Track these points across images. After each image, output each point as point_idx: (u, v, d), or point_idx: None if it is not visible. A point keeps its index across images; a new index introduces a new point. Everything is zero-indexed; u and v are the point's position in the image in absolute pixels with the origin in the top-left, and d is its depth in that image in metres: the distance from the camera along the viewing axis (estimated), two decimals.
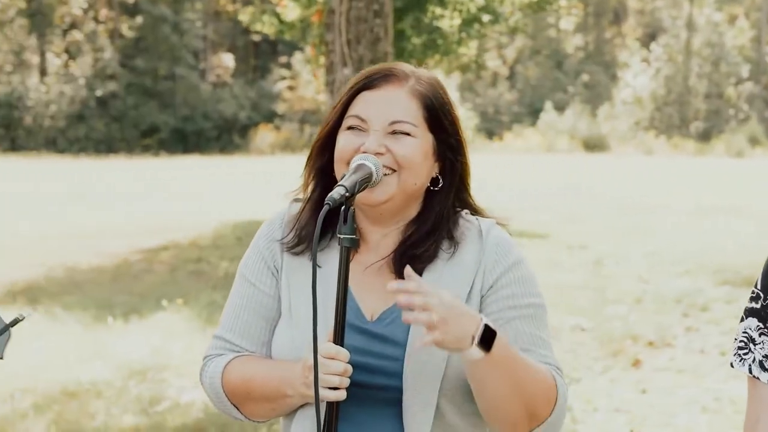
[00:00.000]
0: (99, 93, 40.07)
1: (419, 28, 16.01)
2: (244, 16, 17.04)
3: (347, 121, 2.23)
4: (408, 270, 2.07)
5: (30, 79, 40.18)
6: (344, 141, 2.22)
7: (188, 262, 12.55)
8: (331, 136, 2.26)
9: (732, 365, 2.21)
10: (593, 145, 43.45)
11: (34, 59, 41.52)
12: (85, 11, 42.83)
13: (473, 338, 2.03)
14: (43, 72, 41.32)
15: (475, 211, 2.33)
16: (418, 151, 2.21)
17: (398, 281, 2.04)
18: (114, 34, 43.06)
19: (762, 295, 2.17)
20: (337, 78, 7.97)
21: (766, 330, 2.16)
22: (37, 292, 10.64)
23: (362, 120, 2.21)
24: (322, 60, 8.57)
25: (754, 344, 2.18)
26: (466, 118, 44.04)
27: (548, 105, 46.22)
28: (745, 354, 2.18)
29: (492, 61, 53.25)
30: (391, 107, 2.21)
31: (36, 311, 9.69)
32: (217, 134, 41.61)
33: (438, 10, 16.20)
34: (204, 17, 46.24)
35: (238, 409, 2.28)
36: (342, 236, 2.07)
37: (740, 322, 2.21)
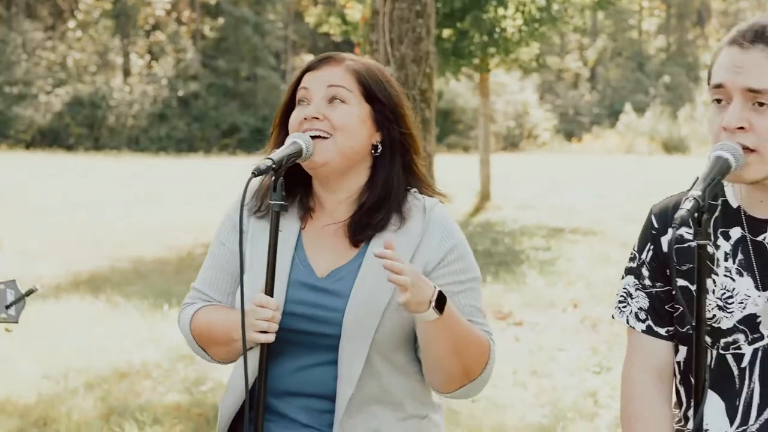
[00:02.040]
0: (180, 93, 40.79)
1: (480, 28, 16.24)
2: (311, 17, 17.40)
3: (297, 96, 2.55)
4: (387, 238, 2.43)
5: (114, 80, 41.05)
6: (294, 115, 2.53)
7: None
8: (286, 114, 2.58)
9: (613, 317, 2.49)
10: (673, 147, 43.14)
11: (118, 60, 42.41)
12: (168, 12, 43.65)
13: (430, 302, 2.35)
14: (126, 72, 42.19)
15: (424, 185, 2.62)
16: (352, 117, 2.51)
17: (380, 249, 2.33)
18: (196, 35, 43.83)
19: (637, 255, 2.45)
20: None
21: (640, 286, 2.44)
22: (101, 282, 11.09)
23: (306, 89, 2.52)
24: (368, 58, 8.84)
25: (631, 298, 2.45)
26: (544, 119, 44.05)
27: (628, 106, 45.99)
28: (624, 307, 2.46)
29: (573, 63, 53.16)
30: (329, 78, 2.52)
31: (98, 299, 10.13)
32: None
33: (500, 10, 16.42)
34: (285, 18, 46.82)
35: (205, 351, 2.60)
36: (272, 202, 2.39)
37: (621, 279, 2.48)
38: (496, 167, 21.81)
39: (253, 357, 2.46)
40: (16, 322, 2.82)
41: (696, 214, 2.06)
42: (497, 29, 16.48)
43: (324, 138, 2.49)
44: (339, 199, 2.57)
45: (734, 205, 2.36)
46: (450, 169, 25.47)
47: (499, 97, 42.63)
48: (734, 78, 2.20)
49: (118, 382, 7.24)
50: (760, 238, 2.31)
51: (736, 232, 2.34)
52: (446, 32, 16.71)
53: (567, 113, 49.56)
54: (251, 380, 2.48)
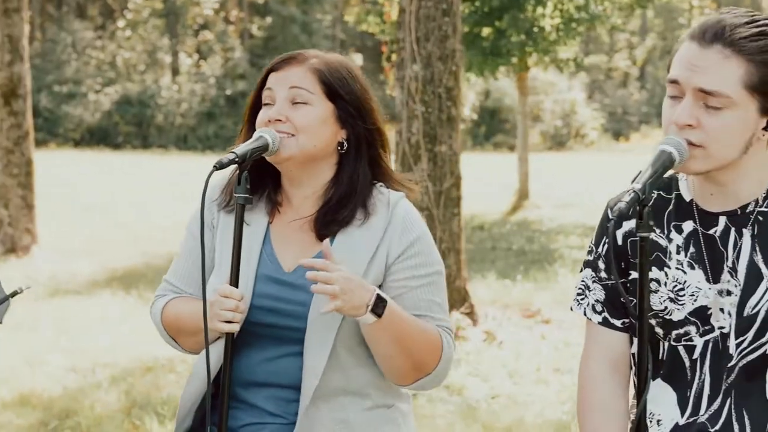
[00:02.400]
0: (228, 92, 41.02)
1: (518, 27, 16.23)
2: (350, 16, 17.46)
3: (263, 96, 2.61)
4: (325, 245, 2.48)
5: (162, 79, 41.38)
6: (260, 116, 2.60)
7: None
8: (253, 113, 2.65)
9: (571, 309, 2.52)
10: None
11: (167, 59, 42.74)
12: (216, 12, 43.94)
13: (367, 306, 2.42)
14: (175, 71, 42.52)
15: (391, 180, 2.66)
16: (313, 117, 2.56)
17: (308, 259, 2.43)
18: (244, 35, 44.08)
19: (594, 248, 2.48)
20: (406, 74, 8.27)
21: (597, 278, 2.47)
22: (135, 279, 11.23)
23: (270, 90, 2.59)
24: (394, 57, 8.87)
25: (589, 291, 2.49)
26: (592, 118, 43.83)
27: None
28: (582, 299, 2.50)
29: (622, 61, 52.87)
30: (291, 79, 2.58)
31: (129, 295, 10.26)
32: None
33: (539, 9, 16.40)
34: (333, 17, 46.97)
35: (175, 341, 2.67)
36: (236, 195, 2.46)
37: (579, 272, 2.51)
38: (541, 166, 21.77)
39: (220, 347, 2.53)
40: (0, 323, 2.89)
41: (637, 207, 2.09)
42: (535, 28, 16.46)
43: (289, 136, 2.55)
44: (305, 195, 2.63)
45: (687, 198, 2.39)
46: (491, 168, 25.47)
47: (548, 96, 42.47)
48: (689, 76, 2.22)
49: (142, 376, 7.35)
50: (711, 232, 2.34)
51: (688, 226, 2.37)
52: (485, 31, 16.72)
53: (615, 112, 49.24)
54: (216, 369, 2.54)
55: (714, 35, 2.21)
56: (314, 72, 2.59)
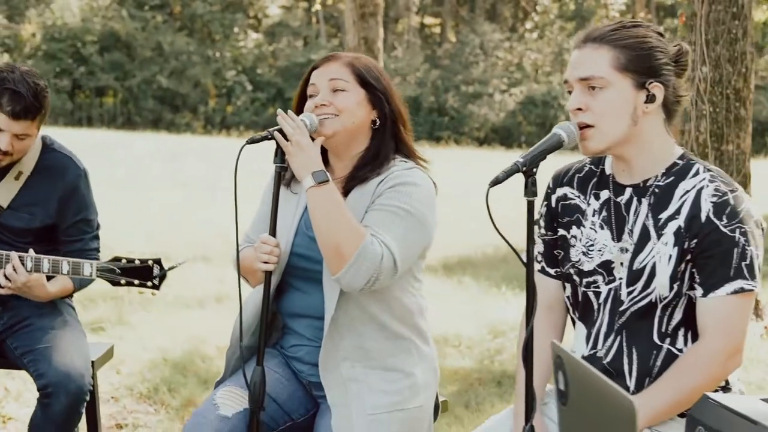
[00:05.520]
0: None
1: None
2: None
3: (308, 91, 3.36)
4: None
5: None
6: (307, 105, 3.34)
7: None
8: (300, 105, 3.39)
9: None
10: None
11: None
12: (623, 14, 44.19)
13: (310, 171, 3.08)
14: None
15: (409, 153, 3.36)
16: (351, 100, 3.29)
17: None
18: None
19: (539, 211, 3.06)
20: (696, 75, 8.61)
21: (539, 234, 3.08)
22: (464, 264, 12.09)
23: (313, 85, 3.33)
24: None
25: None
26: None
27: None
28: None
29: None
30: (330, 73, 3.31)
31: (450, 279, 11.12)
32: None
33: None
34: None
35: (246, 280, 3.46)
36: (274, 164, 3.23)
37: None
38: None
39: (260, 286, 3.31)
40: (158, 289, 3.91)
41: (527, 178, 2.69)
42: None
43: (333, 117, 3.28)
44: (345, 165, 3.36)
45: (608, 172, 2.95)
46: None
47: None
48: (572, 72, 2.82)
49: None
50: (619, 200, 2.89)
51: (604, 194, 2.93)
52: None
53: None
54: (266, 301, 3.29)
55: (586, 36, 2.81)
56: (348, 65, 3.32)
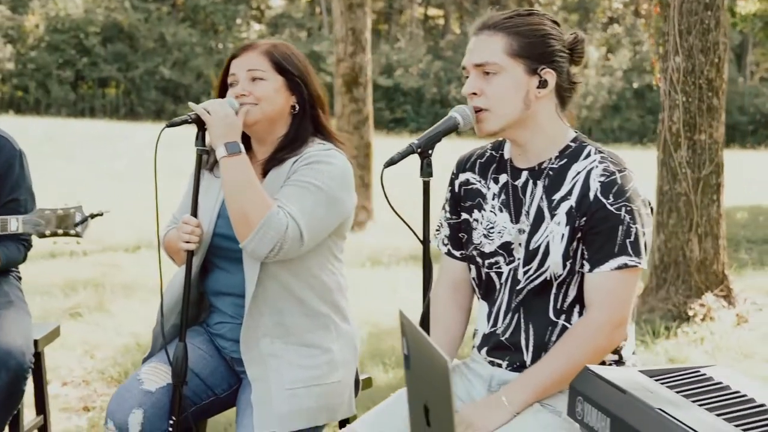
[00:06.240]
0: (636, 85, 41.19)
1: None
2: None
3: (228, 80, 3.47)
4: None
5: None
6: (227, 94, 3.45)
7: None
8: (222, 94, 3.49)
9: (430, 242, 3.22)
10: None
11: None
12: (626, 5, 44.19)
13: (223, 142, 3.22)
14: (584, 65, 43.07)
15: (328, 135, 3.47)
16: (269, 88, 3.40)
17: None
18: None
19: (446, 194, 3.16)
20: (669, 65, 8.69)
21: (445, 218, 3.17)
22: None
23: (233, 75, 3.44)
24: (660, 50, 9.25)
25: (441, 228, 3.19)
26: None
27: None
28: (437, 234, 3.21)
29: None
30: (248, 63, 3.42)
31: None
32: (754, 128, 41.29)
33: None
34: None
35: (173, 259, 3.57)
36: (196, 148, 3.34)
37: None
38: None
39: (193, 263, 3.42)
40: (81, 236, 3.98)
41: (423, 159, 2.79)
42: None
43: (253, 106, 3.39)
44: (266, 150, 3.47)
45: (506, 157, 3.05)
46: None
47: None
48: (468, 59, 2.93)
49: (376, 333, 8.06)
50: (516, 183, 2.99)
51: (503, 178, 3.03)
52: None
53: None
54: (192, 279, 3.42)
55: (483, 24, 2.91)
56: (265, 54, 3.43)
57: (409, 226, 2.82)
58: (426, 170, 2.77)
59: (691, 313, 8.48)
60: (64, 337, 7.24)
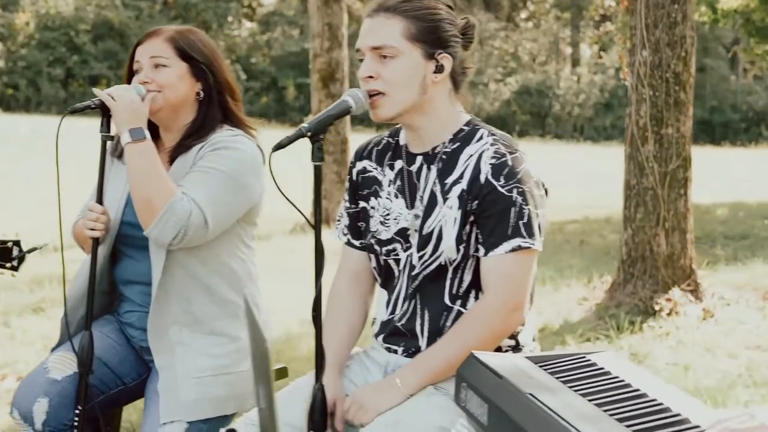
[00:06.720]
0: (628, 83, 41.10)
1: None
2: None
3: (134, 67, 3.43)
4: None
5: (563, 70, 42.09)
6: (133, 80, 3.42)
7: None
8: (129, 79, 3.45)
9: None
10: None
11: (568, 50, 43.46)
12: (618, 3, 44.06)
13: (130, 131, 3.20)
14: (575, 62, 43.18)
15: (238, 123, 3.43)
16: (172, 75, 3.36)
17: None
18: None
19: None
20: (636, 59, 8.66)
21: (345, 207, 3.15)
22: None
23: (138, 61, 3.41)
24: (628, 44, 9.19)
25: (342, 218, 3.17)
26: None
27: None
28: (338, 224, 3.18)
29: None
30: (151, 50, 3.39)
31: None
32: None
33: None
34: None
35: (82, 247, 3.54)
36: (101, 134, 3.30)
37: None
38: None
39: (101, 251, 3.40)
40: (17, 270, 3.93)
41: (313, 144, 2.74)
42: None
43: (156, 93, 3.35)
44: (174, 137, 3.44)
45: (402, 143, 3.02)
46: None
47: None
48: (363, 41, 2.89)
49: None
50: (411, 168, 2.96)
51: (398, 164, 3.00)
52: None
53: None
54: (101, 269, 3.39)
55: (379, 6, 2.87)
56: (169, 40, 3.39)
57: (301, 213, 2.79)
58: (317, 155, 2.73)
59: (657, 307, 8.44)
60: (24, 332, 7.22)
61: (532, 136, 38.35)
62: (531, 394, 2.23)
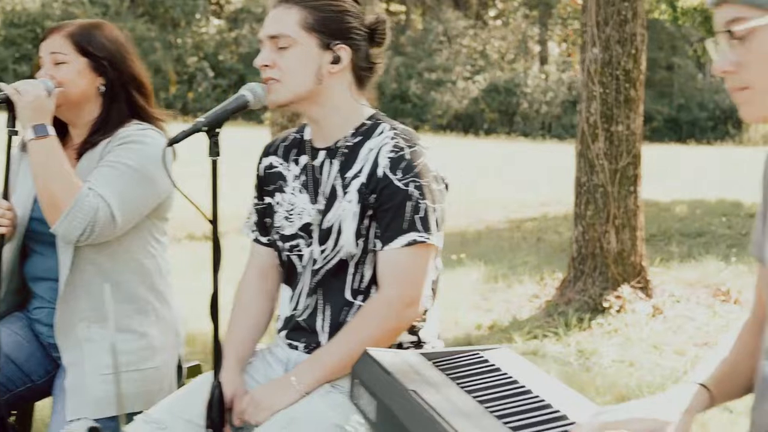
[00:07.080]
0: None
1: None
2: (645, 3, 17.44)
3: (40, 62, 3.39)
4: None
5: (531, 68, 42.16)
6: (37, 75, 3.38)
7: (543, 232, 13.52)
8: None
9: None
10: None
11: (536, 48, 43.53)
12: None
13: (33, 127, 3.18)
14: (543, 60, 43.26)
15: (147, 117, 3.40)
16: (71, 71, 3.33)
17: None
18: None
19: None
20: (587, 57, 8.67)
21: (254, 203, 3.12)
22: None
23: (41, 57, 3.38)
24: (579, 41, 9.23)
25: (251, 214, 3.13)
26: None
27: None
28: (248, 221, 3.16)
29: None
30: (51, 46, 3.36)
31: None
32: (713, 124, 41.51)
33: None
34: None
35: None
36: (8, 129, 3.26)
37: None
38: None
39: (10, 248, 3.35)
40: None
41: (210, 138, 2.71)
42: None
43: (58, 88, 3.31)
44: (81, 133, 3.41)
45: (307, 138, 2.99)
46: None
47: None
48: (263, 31, 2.88)
49: None
50: (315, 163, 2.94)
51: (303, 159, 2.98)
52: None
53: None
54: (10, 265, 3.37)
55: None
56: (68, 36, 3.35)
57: (198, 208, 2.75)
58: (213, 149, 2.70)
59: (606, 305, 8.45)
60: None
61: (499, 134, 38.37)
62: (414, 391, 2.21)
